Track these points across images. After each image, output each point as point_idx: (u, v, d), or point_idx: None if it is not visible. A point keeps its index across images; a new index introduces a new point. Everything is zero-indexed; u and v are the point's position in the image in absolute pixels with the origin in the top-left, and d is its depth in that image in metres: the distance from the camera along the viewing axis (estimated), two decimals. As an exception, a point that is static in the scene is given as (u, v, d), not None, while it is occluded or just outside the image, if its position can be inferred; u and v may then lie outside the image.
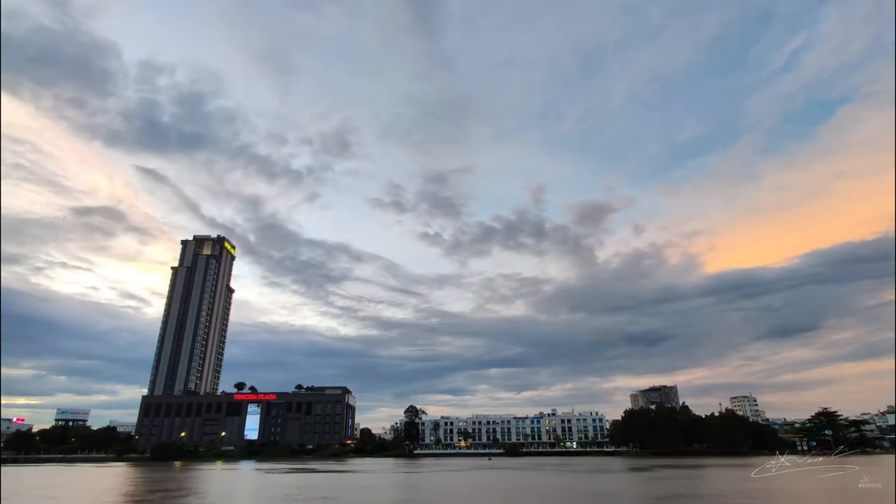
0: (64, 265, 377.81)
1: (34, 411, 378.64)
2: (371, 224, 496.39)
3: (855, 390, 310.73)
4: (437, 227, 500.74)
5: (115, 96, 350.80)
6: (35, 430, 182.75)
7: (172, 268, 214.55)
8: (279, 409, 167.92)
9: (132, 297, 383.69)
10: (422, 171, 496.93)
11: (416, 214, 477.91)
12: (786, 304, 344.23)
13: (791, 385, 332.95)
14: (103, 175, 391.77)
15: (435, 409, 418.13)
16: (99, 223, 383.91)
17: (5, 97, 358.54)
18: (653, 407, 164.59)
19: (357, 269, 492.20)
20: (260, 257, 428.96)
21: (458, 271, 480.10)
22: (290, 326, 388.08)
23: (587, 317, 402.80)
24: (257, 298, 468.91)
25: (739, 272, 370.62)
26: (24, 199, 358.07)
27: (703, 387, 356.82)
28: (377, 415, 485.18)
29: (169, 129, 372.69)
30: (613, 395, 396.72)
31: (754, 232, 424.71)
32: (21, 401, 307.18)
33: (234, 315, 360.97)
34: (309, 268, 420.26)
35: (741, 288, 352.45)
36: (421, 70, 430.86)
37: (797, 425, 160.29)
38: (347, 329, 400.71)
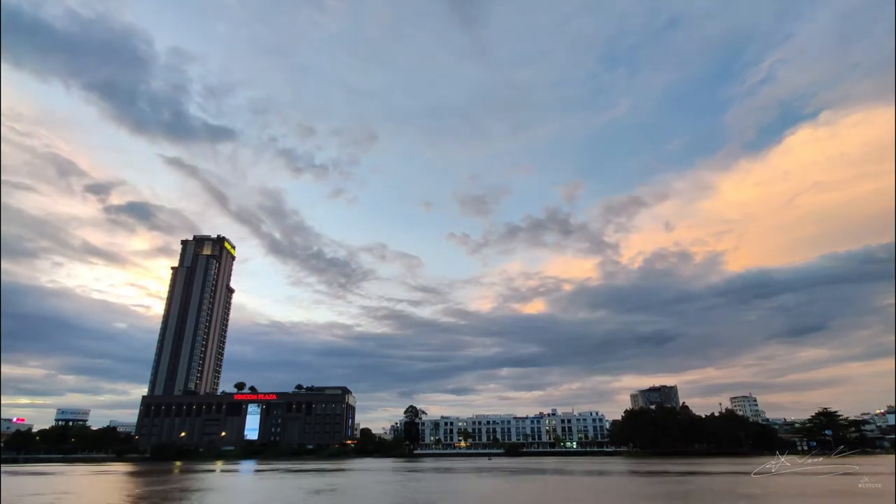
0: (82, 260, 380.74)
1: (40, 410, 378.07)
2: (397, 221, 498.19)
3: (866, 390, 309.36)
4: (465, 226, 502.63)
5: (144, 84, 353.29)
6: (35, 430, 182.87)
7: (172, 268, 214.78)
8: (279, 409, 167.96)
9: (152, 295, 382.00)
10: (452, 170, 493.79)
11: (445, 212, 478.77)
12: (800, 303, 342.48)
13: (803, 385, 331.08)
14: (129, 167, 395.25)
15: (438, 409, 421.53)
16: (122, 218, 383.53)
17: (33, 85, 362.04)
18: (653, 407, 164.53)
19: (379, 268, 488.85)
20: (282, 255, 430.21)
21: (481, 270, 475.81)
22: (304, 326, 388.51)
23: (605, 316, 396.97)
24: (272, 296, 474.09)
25: (758, 271, 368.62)
26: (46, 191, 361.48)
27: (707, 387, 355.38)
28: (380, 414, 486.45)
29: (194, 120, 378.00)
30: (619, 394, 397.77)
31: (779, 231, 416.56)
32: (25, 400, 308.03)
33: (247, 314, 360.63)
34: (332, 267, 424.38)
35: (758, 287, 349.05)
36: (455, 63, 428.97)
37: (797, 425, 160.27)
38: (363, 328, 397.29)
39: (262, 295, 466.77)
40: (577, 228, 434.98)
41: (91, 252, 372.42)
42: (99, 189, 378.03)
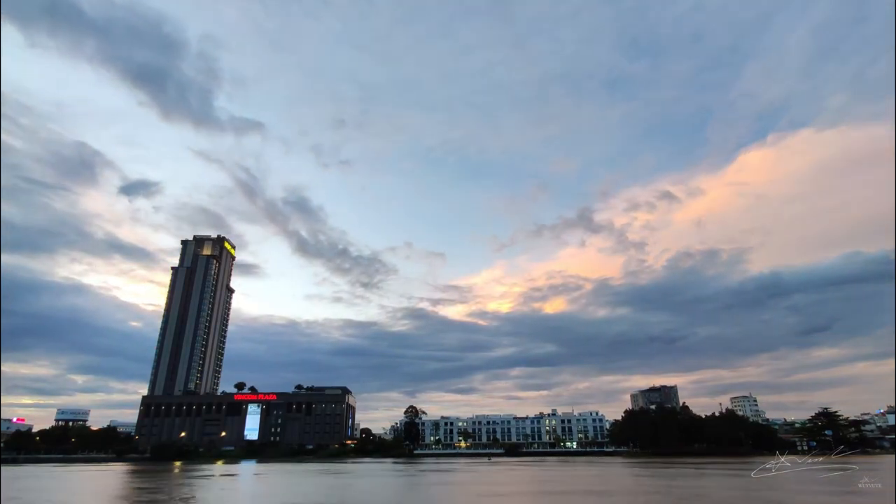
0: (102, 256, 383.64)
1: (43, 410, 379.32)
2: (423, 219, 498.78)
3: (879, 388, 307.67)
4: (492, 224, 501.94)
5: (177, 73, 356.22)
6: (36, 430, 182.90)
7: (172, 268, 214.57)
8: (279, 409, 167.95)
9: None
10: (479, 167, 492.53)
11: (471, 209, 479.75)
12: (818, 302, 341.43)
13: (813, 384, 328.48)
14: (157, 159, 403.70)
15: (443, 409, 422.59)
16: (144, 212, 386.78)
17: (68, 70, 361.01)
18: (653, 407, 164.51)
19: (403, 266, 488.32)
20: (308, 254, 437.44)
21: (506, 269, 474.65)
22: (320, 325, 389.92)
23: (625, 315, 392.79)
24: (292, 294, 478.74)
25: (779, 271, 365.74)
26: (69, 184, 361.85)
27: (718, 387, 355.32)
28: (384, 414, 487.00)
29: (221, 111, 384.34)
30: (628, 394, 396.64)
31: (803, 229, 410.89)
32: (39, 400, 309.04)
33: (264, 312, 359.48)
34: (355, 266, 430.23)
35: (772, 287, 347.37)
36: (484, 56, 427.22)
37: (797, 425, 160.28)
38: (378, 327, 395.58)
39: (282, 293, 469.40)
40: (602, 226, 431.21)
41: (113, 247, 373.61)
42: (125, 182, 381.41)
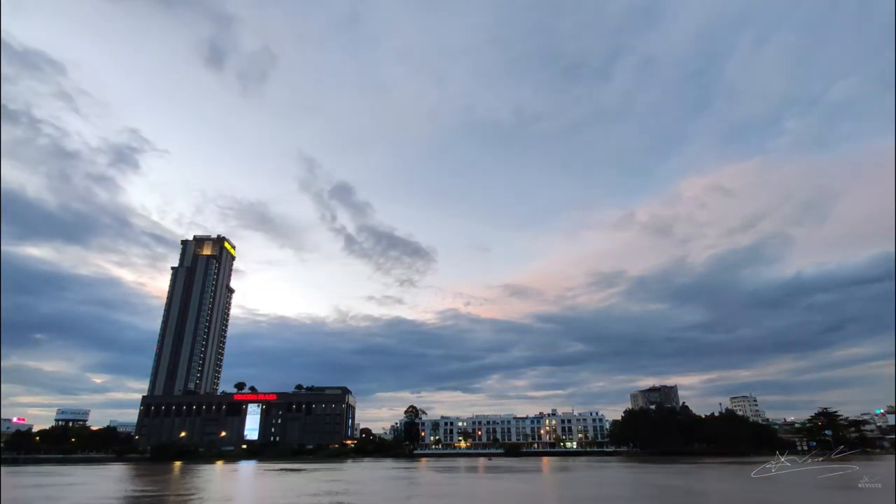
0: (140, 244, 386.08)
1: (44, 410, 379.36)
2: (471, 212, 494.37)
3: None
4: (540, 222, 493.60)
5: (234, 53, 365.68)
6: (36, 429, 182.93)
7: (172, 268, 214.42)
8: (279, 409, 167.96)
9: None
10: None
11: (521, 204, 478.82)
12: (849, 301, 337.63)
13: (836, 383, 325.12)
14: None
15: (447, 409, 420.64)
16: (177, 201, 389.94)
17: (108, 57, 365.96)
18: (653, 407, 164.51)
19: (434, 264, 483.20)
20: (354, 253, 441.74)
21: (544, 266, 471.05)
22: (345, 323, 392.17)
23: (658, 311, 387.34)
24: (336, 291, 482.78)
25: (818, 269, 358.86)
26: (111, 172, 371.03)
27: (732, 386, 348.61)
28: (383, 414, 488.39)
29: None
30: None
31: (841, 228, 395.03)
32: (67, 399, 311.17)
33: (292, 311, 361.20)
34: (397, 266, 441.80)
35: (813, 285, 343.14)
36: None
37: (797, 425, 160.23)
38: (405, 327, 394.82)
39: (318, 290, 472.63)
40: (645, 218, 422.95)
41: (155, 240, 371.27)
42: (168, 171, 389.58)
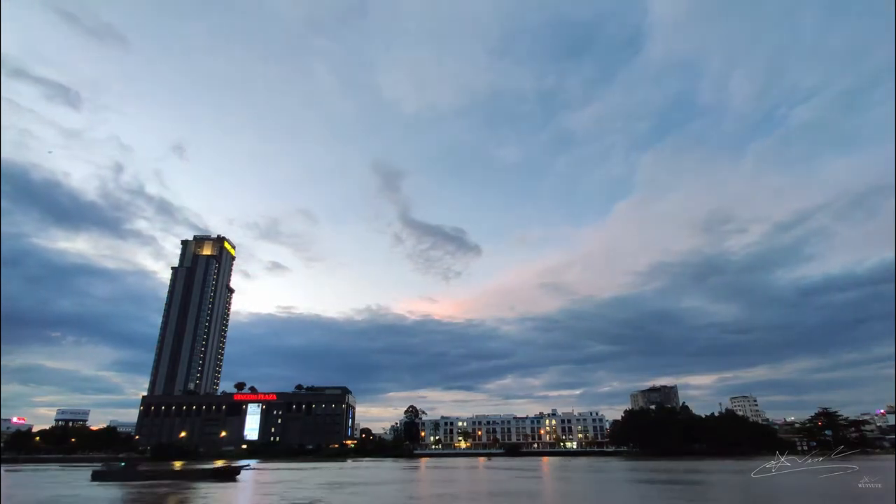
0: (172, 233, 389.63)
1: (45, 410, 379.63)
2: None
3: None
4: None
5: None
6: (35, 430, 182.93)
7: (172, 268, 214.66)
8: (279, 409, 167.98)
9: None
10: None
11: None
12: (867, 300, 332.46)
13: (859, 381, 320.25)
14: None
15: (452, 408, 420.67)
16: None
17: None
18: (653, 407, 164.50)
19: (474, 262, 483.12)
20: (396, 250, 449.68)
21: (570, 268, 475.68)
22: (371, 321, 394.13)
23: (689, 306, 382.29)
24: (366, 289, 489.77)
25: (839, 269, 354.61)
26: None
27: (744, 385, 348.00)
28: (383, 413, 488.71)
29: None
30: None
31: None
32: (77, 399, 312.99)
33: (317, 310, 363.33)
34: (432, 265, 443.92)
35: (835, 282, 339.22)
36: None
37: (797, 425, 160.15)
38: (431, 326, 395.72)
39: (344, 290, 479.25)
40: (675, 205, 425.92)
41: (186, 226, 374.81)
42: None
